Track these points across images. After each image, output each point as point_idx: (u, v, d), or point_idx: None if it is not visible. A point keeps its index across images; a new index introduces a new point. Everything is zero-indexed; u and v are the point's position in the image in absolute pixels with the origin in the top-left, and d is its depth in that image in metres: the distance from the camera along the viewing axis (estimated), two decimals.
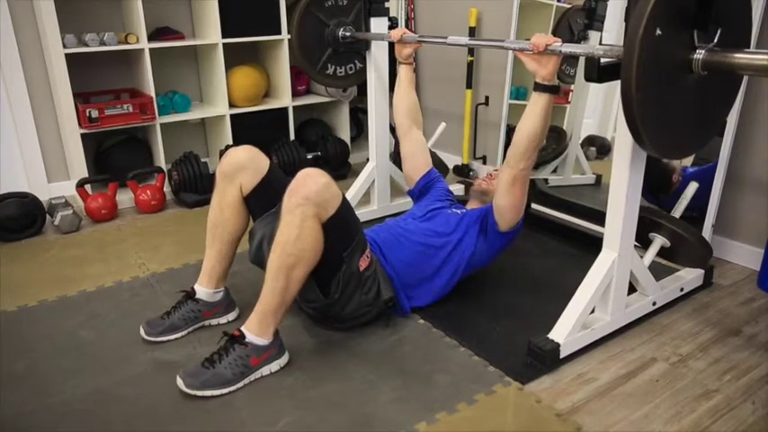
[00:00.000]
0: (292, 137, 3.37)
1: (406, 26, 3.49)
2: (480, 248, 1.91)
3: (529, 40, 1.61)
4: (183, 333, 1.76)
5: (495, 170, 2.20)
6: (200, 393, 1.49)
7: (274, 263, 1.51)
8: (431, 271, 1.87)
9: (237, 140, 3.07)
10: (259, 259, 1.75)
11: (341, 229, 1.59)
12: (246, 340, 1.54)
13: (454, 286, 1.93)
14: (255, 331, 1.55)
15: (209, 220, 1.79)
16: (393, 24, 3.29)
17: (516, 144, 1.72)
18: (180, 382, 1.50)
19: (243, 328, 1.56)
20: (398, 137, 2.30)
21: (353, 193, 2.57)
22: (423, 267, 1.86)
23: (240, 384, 1.54)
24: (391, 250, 1.85)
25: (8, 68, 2.76)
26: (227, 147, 3.04)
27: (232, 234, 1.79)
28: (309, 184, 1.50)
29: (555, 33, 2.60)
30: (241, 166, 1.74)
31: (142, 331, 1.75)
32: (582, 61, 2.49)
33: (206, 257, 1.81)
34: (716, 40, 1.31)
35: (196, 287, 1.80)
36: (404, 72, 2.24)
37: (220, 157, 1.99)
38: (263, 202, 1.75)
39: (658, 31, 1.23)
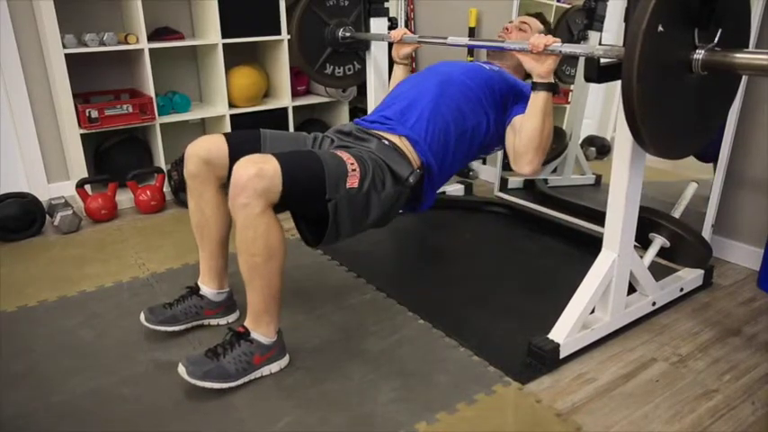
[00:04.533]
0: None
1: (406, 26, 3.49)
2: (497, 122, 1.85)
3: (528, 40, 1.62)
4: (182, 327, 1.76)
5: (510, 22, 2.14)
6: (200, 384, 1.48)
7: (244, 267, 1.49)
8: (453, 126, 1.76)
9: None
10: None
11: (303, 187, 1.48)
12: (252, 337, 1.55)
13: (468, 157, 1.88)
14: (257, 330, 1.55)
15: (192, 224, 1.77)
16: (393, 25, 3.30)
17: (518, 145, 1.73)
18: (182, 369, 1.49)
19: (247, 326, 1.56)
20: None
21: None
22: (445, 122, 1.76)
23: (240, 381, 1.53)
24: (406, 113, 1.76)
25: (8, 69, 2.75)
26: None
27: (219, 232, 1.76)
28: (243, 183, 1.41)
29: (554, 34, 2.60)
30: (206, 161, 1.67)
31: (142, 317, 1.74)
32: (582, 61, 2.50)
33: (201, 260, 1.80)
34: (716, 41, 1.32)
35: (200, 285, 1.81)
36: (400, 72, 2.22)
37: None
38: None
39: (660, 28, 1.23)
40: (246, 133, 1.74)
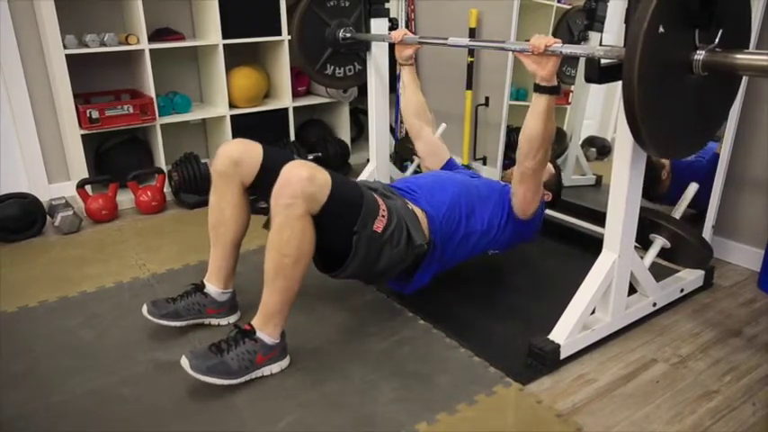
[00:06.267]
0: (293, 137, 3.37)
1: (407, 27, 3.49)
2: (508, 225, 1.92)
3: (529, 41, 1.62)
4: (183, 323, 1.76)
5: None
6: (202, 378, 1.48)
7: (271, 265, 1.50)
8: (465, 222, 1.84)
9: None
10: None
11: (341, 209, 1.54)
12: (257, 336, 1.55)
13: (473, 254, 1.93)
14: (264, 329, 1.56)
15: (210, 221, 1.78)
16: (393, 25, 3.30)
17: (520, 144, 1.75)
18: (185, 362, 1.48)
19: (254, 324, 1.56)
20: (412, 138, 2.34)
21: None
22: (459, 215, 1.83)
23: (242, 379, 1.54)
24: (432, 192, 1.85)
25: (9, 69, 2.76)
26: None
27: (235, 233, 1.78)
28: (293, 183, 1.45)
29: (554, 34, 2.60)
30: (236, 162, 1.71)
31: (145, 309, 1.74)
32: (582, 62, 2.50)
33: (211, 258, 1.81)
34: (717, 41, 1.32)
35: (206, 283, 1.81)
36: (407, 74, 2.24)
37: None
38: (271, 185, 1.62)
39: (661, 29, 1.23)
40: (282, 151, 1.80)
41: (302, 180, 1.45)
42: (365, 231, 1.57)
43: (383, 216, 1.62)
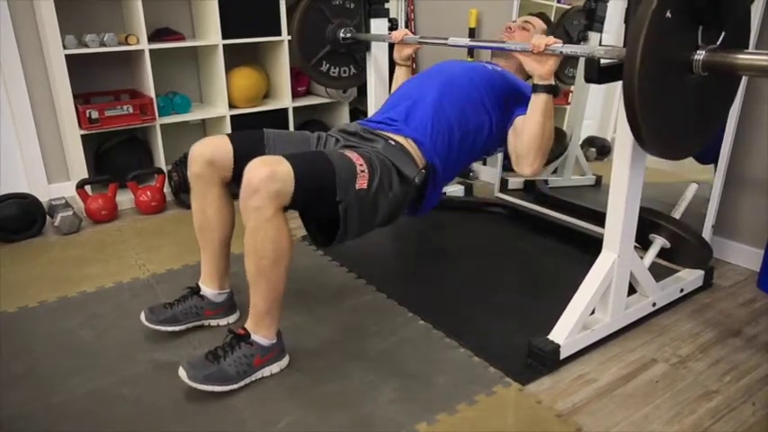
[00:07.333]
0: None
1: (407, 27, 3.49)
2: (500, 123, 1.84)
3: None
4: (182, 327, 1.76)
5: (514, 21, 2.15)
6: (201, 387, 1.48)
7: (251, 269, 1.49)
8: (457, 125, 1.77)
9: None
10: None
11: (314, 189, 1.49)
12: (252, 339, 1.54)
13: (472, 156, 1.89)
14: (258, 332, 1.55)
15: (195, 225, 1.77)
16: (393, 26, 3.30)
17: (519, 147, 1.73)
18: (182, 373, 1.48)
19: (248, 327, 1.56)
20: None
21: None
22: (448, 120, 1.76)
23: (242, 383, 1.53)
24: (410, 115, 1.77)
25: (8, 69, 2.76)
26: None
27: (221, 233, 1.76)
28: (255, 185, 1.40)
29: (553, 35, 2.60)
30: (209, 162, 1.67)
31: (143, 316, 1.74)
32: (582, 62, 2.50)
33: (203, 261, 1.80)
34: (719, 42, 1.31)
35: (201, 285, 1.81)
36: (402, 74, 2.22)
37: None
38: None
39: (668, 14, 1.22)
40: (250, 134, 1.74)
41: (263, 180, 1.40)
42: (349, 195, 1.50)
43: (363, 171, 1.54)
